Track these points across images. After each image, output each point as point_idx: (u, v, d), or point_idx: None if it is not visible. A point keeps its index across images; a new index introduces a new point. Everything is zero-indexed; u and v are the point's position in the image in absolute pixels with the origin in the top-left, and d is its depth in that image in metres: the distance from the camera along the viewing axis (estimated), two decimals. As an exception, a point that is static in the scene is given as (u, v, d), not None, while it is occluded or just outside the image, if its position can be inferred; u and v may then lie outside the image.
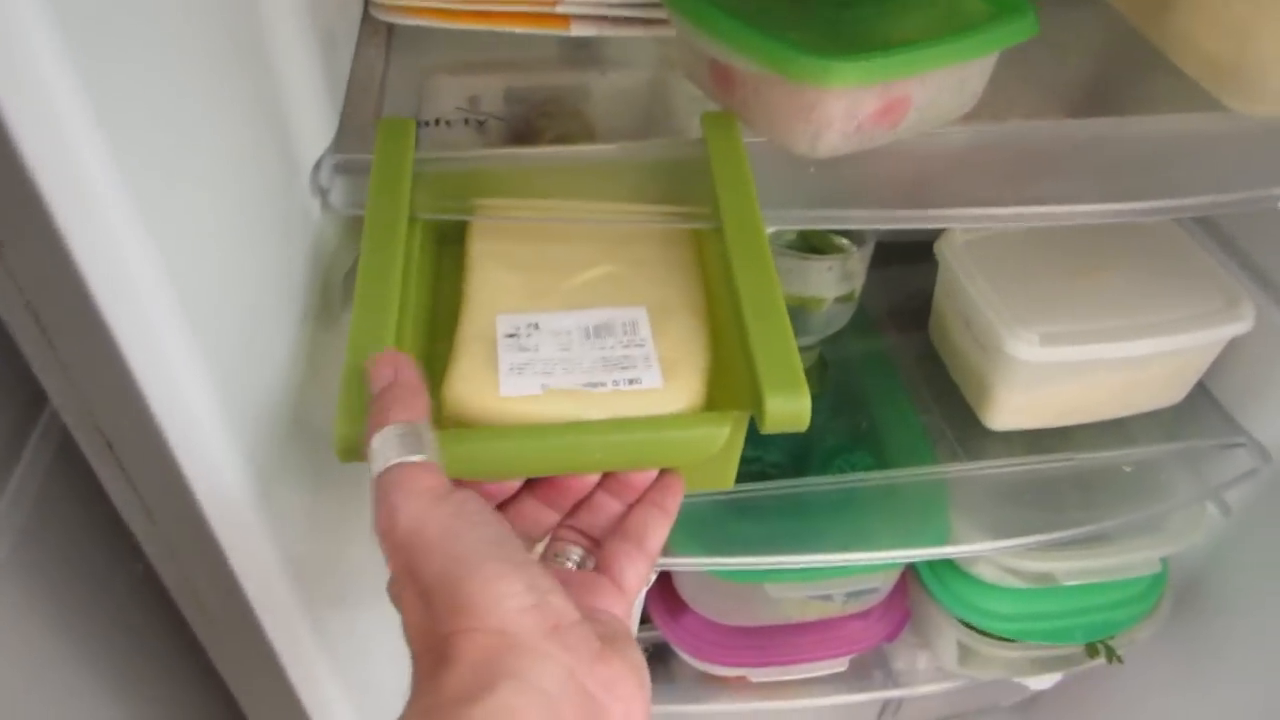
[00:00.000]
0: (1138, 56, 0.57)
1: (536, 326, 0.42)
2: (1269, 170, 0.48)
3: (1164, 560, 0.78)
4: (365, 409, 0.34)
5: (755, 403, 0.36)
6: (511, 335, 0.42)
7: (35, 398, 0.50)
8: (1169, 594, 0.80)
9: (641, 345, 0.42)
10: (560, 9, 0.54)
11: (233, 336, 0.35)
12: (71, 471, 0.51)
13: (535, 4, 0.54)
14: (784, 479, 0.69)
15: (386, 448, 0.31)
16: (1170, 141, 0.51)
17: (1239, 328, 0.66)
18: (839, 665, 0.82)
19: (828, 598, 0.74)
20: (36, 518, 0.49)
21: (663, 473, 0.39)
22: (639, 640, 0.84)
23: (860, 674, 0.88)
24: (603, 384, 0.40)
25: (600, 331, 0.42)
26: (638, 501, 0.39)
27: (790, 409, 0.36)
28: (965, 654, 0.80)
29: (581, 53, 0.62)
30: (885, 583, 0.78)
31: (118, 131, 0.27)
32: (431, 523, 0.30)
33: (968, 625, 0.78)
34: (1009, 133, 0.51)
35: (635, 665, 0.30)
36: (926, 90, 0.44)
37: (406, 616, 0.30)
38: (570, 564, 0.37)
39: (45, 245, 0.27)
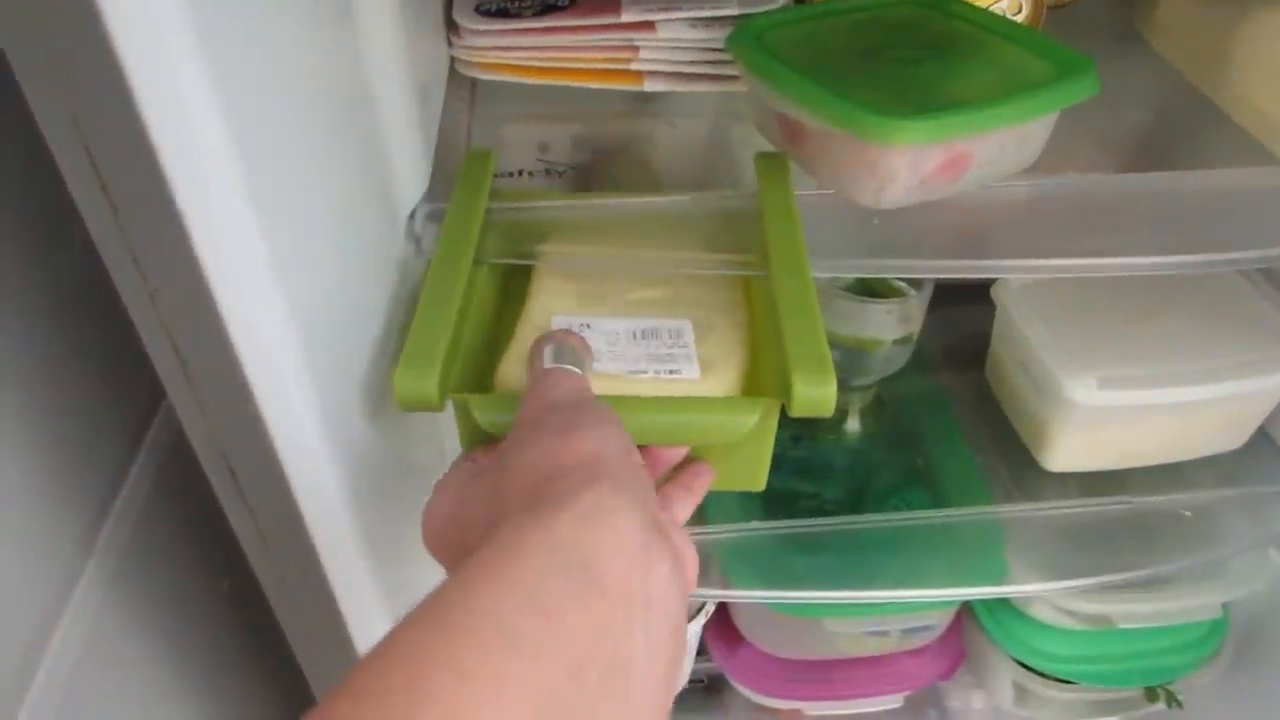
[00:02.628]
0: (1194, 111, 0.58)
1: (589, 326, 0.46)
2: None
3: (1225, 606, 0.77)
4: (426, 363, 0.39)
5: (785, 387, 0.39)
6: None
7: (139, 427, 0.54)
8: (1231, 640, 0.79)
9: (684, 348, 0.45)
10: (634, 66, 0.58)
11: (343, 372, 0.38)
12: (168, 495, 0.55)
13: (611, 61, 0.58)
14: (841, 515, 0.71)
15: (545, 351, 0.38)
16: (1226, 195, 0.53)
17: (1300, 375, 0.66)
18: (894, 702, 0.83)
19: (884, 633, 0.75)
20: (140, 536, 0.53)
21: (692, 458, 0.42)
22: (694, 671, 0.85)
23: (915, 711, 0.88)
24: (644, 372, 0.43)
25: (647, 335, 0.46)
26: (668, 481, 0.41)
27: (817, 393, 0.39)
28: (1021, 695, 0.80)
29: (647, 105, 0.65)
30: (941, 620, 0.78)
31: (261, 191, 0.30)
32: (571, 394, 0.35)
33: (1024, 666, 0.78)
34: (1066, 186, 0.53)
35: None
36: (988, 147, 0.46)
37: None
38: None
39: (195, 294, 0.30)
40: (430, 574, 0.47)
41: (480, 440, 0.42)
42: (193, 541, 0.59)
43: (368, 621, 0.43)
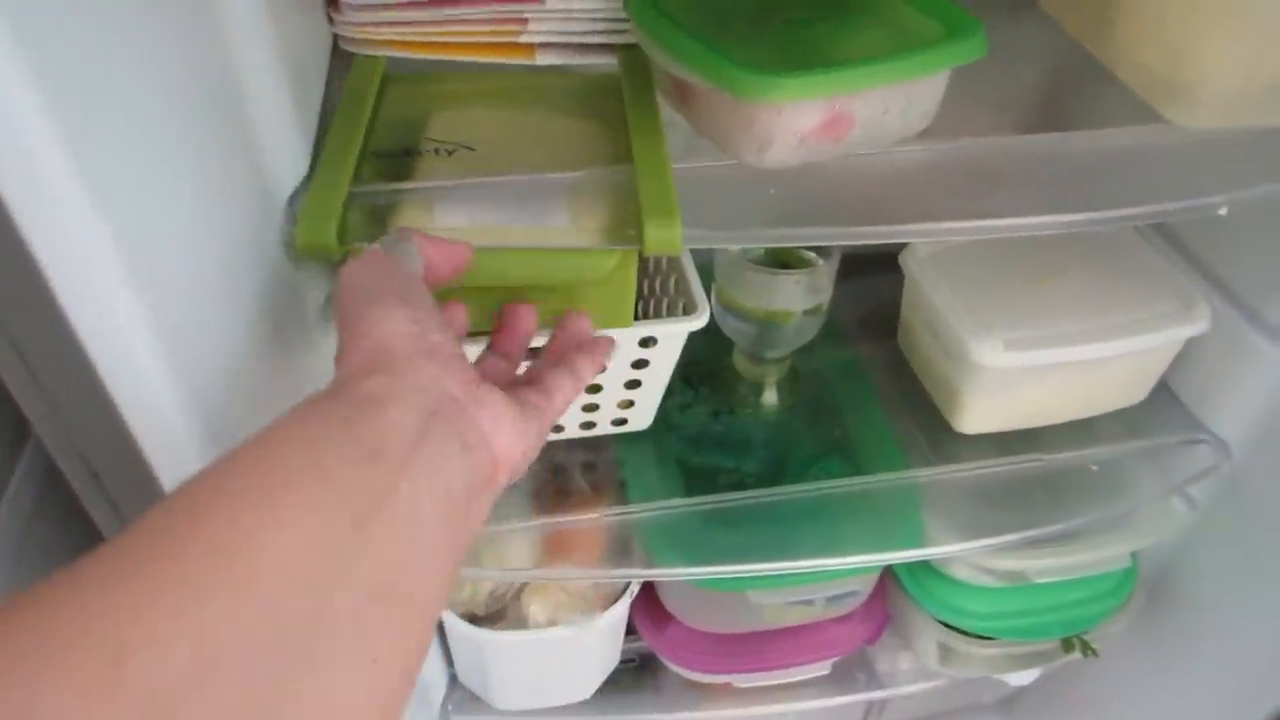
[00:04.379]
0: (1084, 72, 0.59)
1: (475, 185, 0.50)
2: (1207, 179, 0.50)
3: (1134, 555, 0.79)
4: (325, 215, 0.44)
5: (639, 231, 0.45)
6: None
7: (17, 439, 0.51)
8: (1141, 588, 0.82)
9: (557, 202, 0.49)
10: (525, 38, 0.56)
11: (214, 364, 0.36)
12: (56, 509, 0.52)
13: (500, 35, 0.56)
14: (761, 488, 0.71)
15: (376, 242, 0.40)
16: (1115, 154, 0.53)
17: (1195, 328, 0.68)
18: (822, 669, 0.83)
19: (808, 602, 0.76)
20: (24, 551, 0.50)
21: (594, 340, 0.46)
22: (625, 651, 0.85)
23: (844, 676, 0.89)
24: (520, 222, 0.48)
25: (527, 189, 0.49)
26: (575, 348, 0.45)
27: (665, 234, 0.45)
28: (946, 653, 0.82)
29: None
30: (864, 586, 0.79)
31: (99, 178, 0.28)
32: (364, 275, 0.36)
33: (947, 625, 0.79)
34: (962, 149, 0.53)
35: (519, 406, 0.36)
36: (870, 107, 0.46)
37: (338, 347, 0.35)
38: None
39: (24, 277, 0.28)
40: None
41: None
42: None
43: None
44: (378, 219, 0.46)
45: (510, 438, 0.34)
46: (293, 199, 0.46)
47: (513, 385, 0.39)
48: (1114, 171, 0.52)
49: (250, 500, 0.25)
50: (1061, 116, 0.56)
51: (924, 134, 0.52)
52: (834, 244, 0.65)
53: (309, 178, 0.48)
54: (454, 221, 0.47)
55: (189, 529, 0.24)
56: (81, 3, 0.28)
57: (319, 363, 0.49)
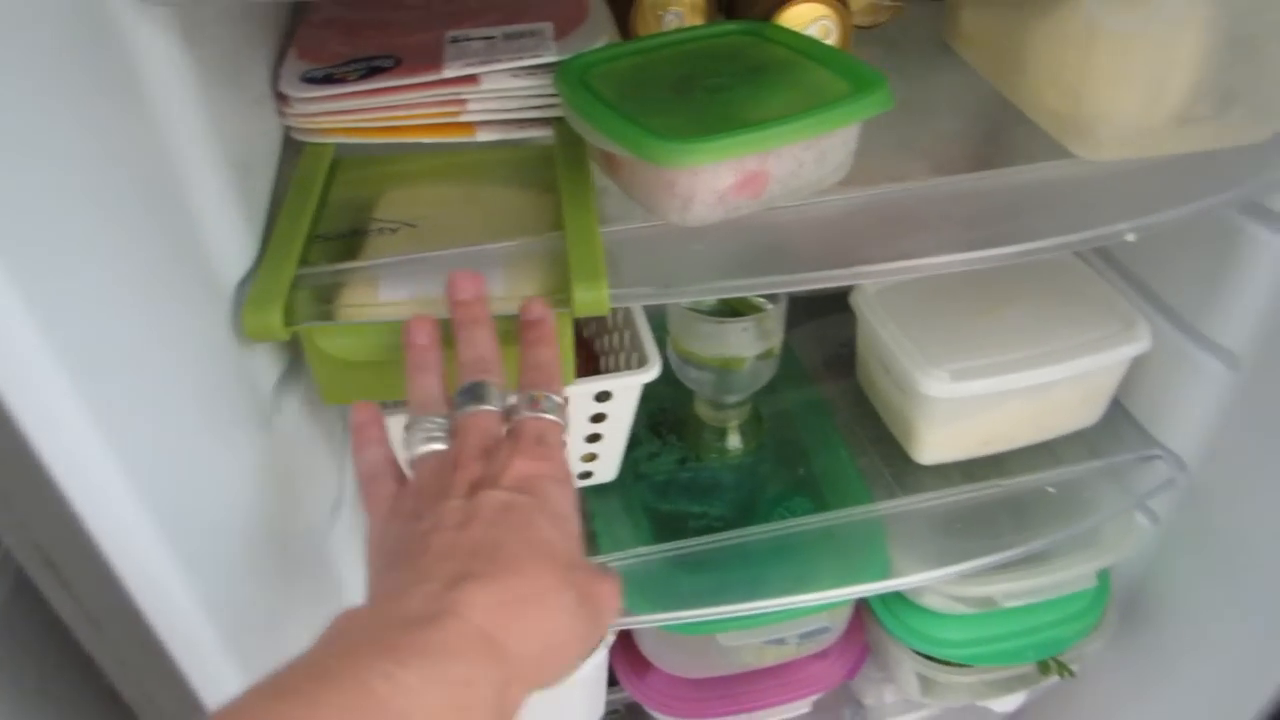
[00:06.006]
0: (1000, 115, 0.62)
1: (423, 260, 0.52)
2: (1115, 208, 0.53)
3: (1102, 574, 0.81)
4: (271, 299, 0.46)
5: (568, 294, 0.48)
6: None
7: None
8: (1113, 606, 0.83)
9: (497, 269, 0.51)
10: (465, 117, 0.59)
11: (162, 447, 0.38)
12: (31, 604, 0.53)
13: (441, 115, 0.59)
14: (729, 530, 0.72)
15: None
16: (1028, 190, 0.56)
17: (1136, 348, 0.70)
18: (803, 707, 0.84)
19: (781, 641, 0.77)
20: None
21: None
22: (609, 702, 0.85)
23: (831, 712, 0.90)
24: None
25: (466, 259, 0.51)
26: None
27: (591, 295, 0.48)
28: (926, 684, 0.82)
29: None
30: (835, 622, 0.80)
31: (37, 283, 0.30)
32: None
33: (924, 655, 0.80)
34: (881, 195, 0.56)
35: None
36: (783, 164, 0.49)
37: None
38: None
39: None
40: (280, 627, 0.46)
41: (333, 367, 0.50)
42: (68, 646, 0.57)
43: (220, 689, 0.43)
44: (324, 299, 0.49)
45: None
46: (240, 286, 0.49)
47: None
48: (1027, 206, 0.55)
49: None
50: (978, 157, 0.59)
51: (844, 182, 0.54)
52: (761, 293, 0.67)
53: (256, 265, 0.50)
54: (397, 296, 0.50)
55: None
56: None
57: (271, 439, 0.51)
